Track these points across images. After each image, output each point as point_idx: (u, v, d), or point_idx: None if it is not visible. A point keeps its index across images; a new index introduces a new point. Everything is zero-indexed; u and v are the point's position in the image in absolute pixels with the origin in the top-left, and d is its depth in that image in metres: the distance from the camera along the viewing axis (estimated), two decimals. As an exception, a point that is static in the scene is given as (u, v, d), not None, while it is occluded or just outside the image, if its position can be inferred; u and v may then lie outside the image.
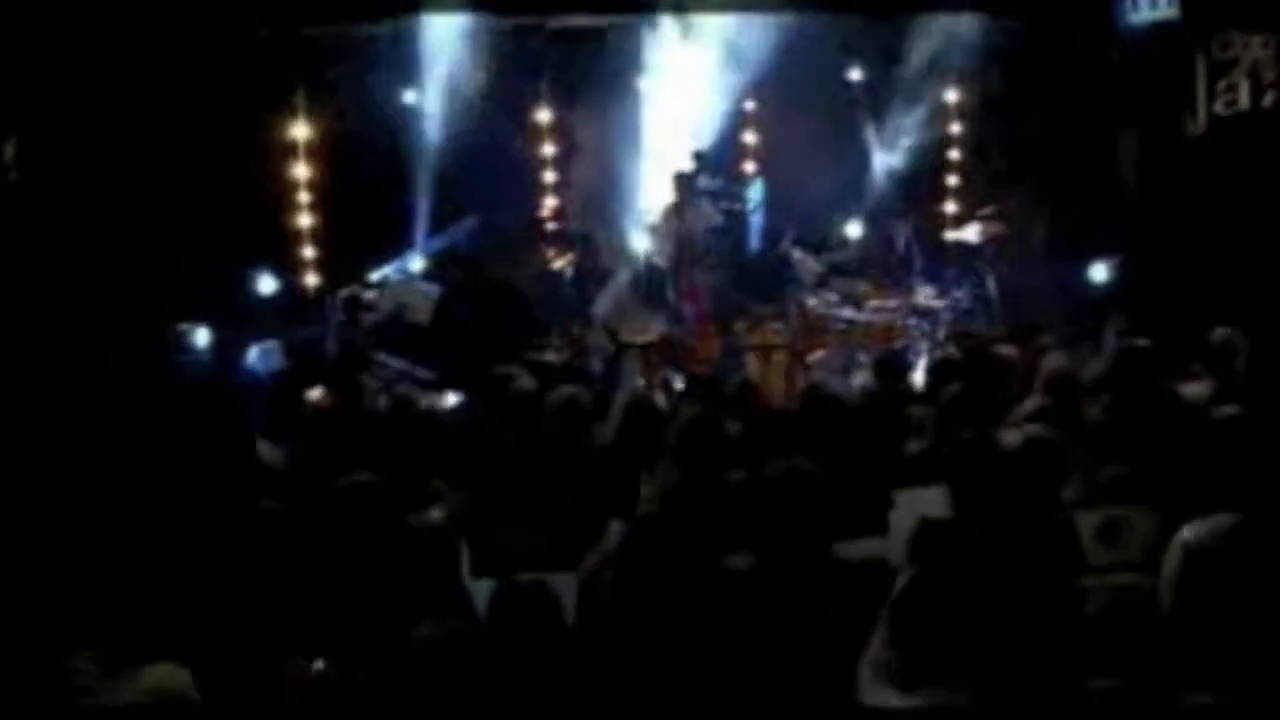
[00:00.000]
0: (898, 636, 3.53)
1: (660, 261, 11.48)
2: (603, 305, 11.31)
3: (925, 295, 11.72)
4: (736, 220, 12.67)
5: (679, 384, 10.26)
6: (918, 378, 9.55)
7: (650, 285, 11.39)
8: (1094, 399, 6.08)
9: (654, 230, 11.67)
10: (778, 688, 3.77)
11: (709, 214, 11.78)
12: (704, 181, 12.37)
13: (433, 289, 11.49)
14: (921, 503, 4.70)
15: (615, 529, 4.74)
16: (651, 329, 10.94)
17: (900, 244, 12.78)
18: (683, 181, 11.57)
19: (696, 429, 5.07)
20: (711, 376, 9.60)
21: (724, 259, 12.26)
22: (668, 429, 5.55)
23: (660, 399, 8.76)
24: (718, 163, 12.74)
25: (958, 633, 3.60)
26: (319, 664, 3.65)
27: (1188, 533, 2.66)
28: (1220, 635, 2.62)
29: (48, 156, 8.64)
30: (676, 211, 11.50)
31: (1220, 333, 6.92)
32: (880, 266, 12.49)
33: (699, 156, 11.97)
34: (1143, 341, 6.90)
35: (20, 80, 8.41)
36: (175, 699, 3.17)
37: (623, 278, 11.53)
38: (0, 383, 7.99)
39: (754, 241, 12.72)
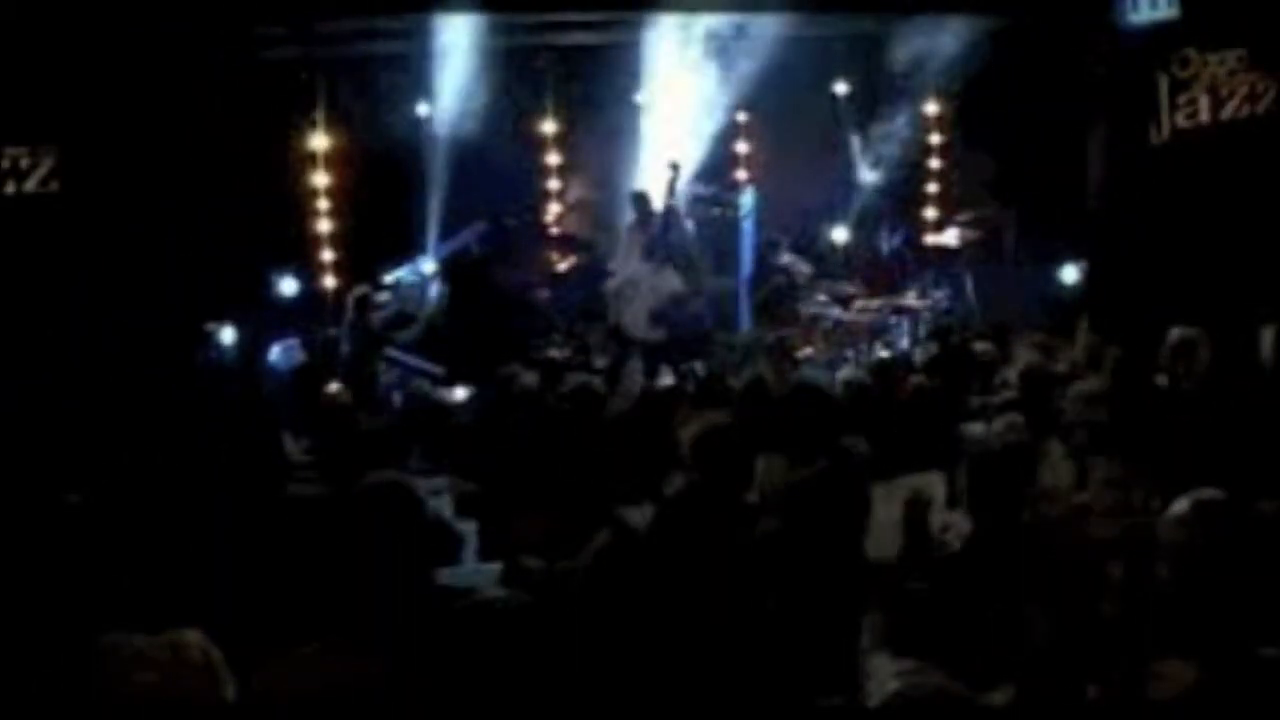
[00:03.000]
0: (890, 607, 3.56)
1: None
2: (612, 284, 11.28)
3: (907, 296, 11.77)
4: (729, 227, 12.65)
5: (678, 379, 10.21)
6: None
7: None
8: (1064, 391, 6.09)
9: (624, 247, 11.66)
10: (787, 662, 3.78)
11: (648, 248, 11.52)
12: (699, 189, 12.37)
13: (443, 289, 11.51)
14: (915, 488, 4.70)
15: (621, 516, 4.71)
16: (653, 326, 10.93)
17: (885, 248, 12.84)
18: (643, 201, 11.52)
19: (710, 441, 4.95)
20: (715, 374, 9.56)
21: (719, 264, 12.28)
22: (681, 437, 5.39)
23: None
24: (712, 171, 12.73)
25: (942, 603, 3.63)
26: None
27: (1180, 506, 2.72)
28: (1212, 595, 2.67)
29: (87, 166, 8.67)
30: (640, 226, 11.48)
31: (1176, 332, 6.92)
32: (866, 269, 12.55)
33: (674, 166, 11.83)
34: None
35: (61, 94, 8.46)
36: (200, 652, 3.16)
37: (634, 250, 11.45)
38: (43, 377, 8.01)
39: (746, 248, 12.70)
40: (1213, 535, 2.72)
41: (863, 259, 12.83)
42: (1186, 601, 2.74)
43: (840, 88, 12.68)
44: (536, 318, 11.79)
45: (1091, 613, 3.76)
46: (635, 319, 10.91)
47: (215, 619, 3.52)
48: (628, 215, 11.85)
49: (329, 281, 11.19)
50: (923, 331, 11.32)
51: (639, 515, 4.60)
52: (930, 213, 13.05)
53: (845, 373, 9.17)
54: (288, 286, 10.96)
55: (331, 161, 11.04)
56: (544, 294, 12.08)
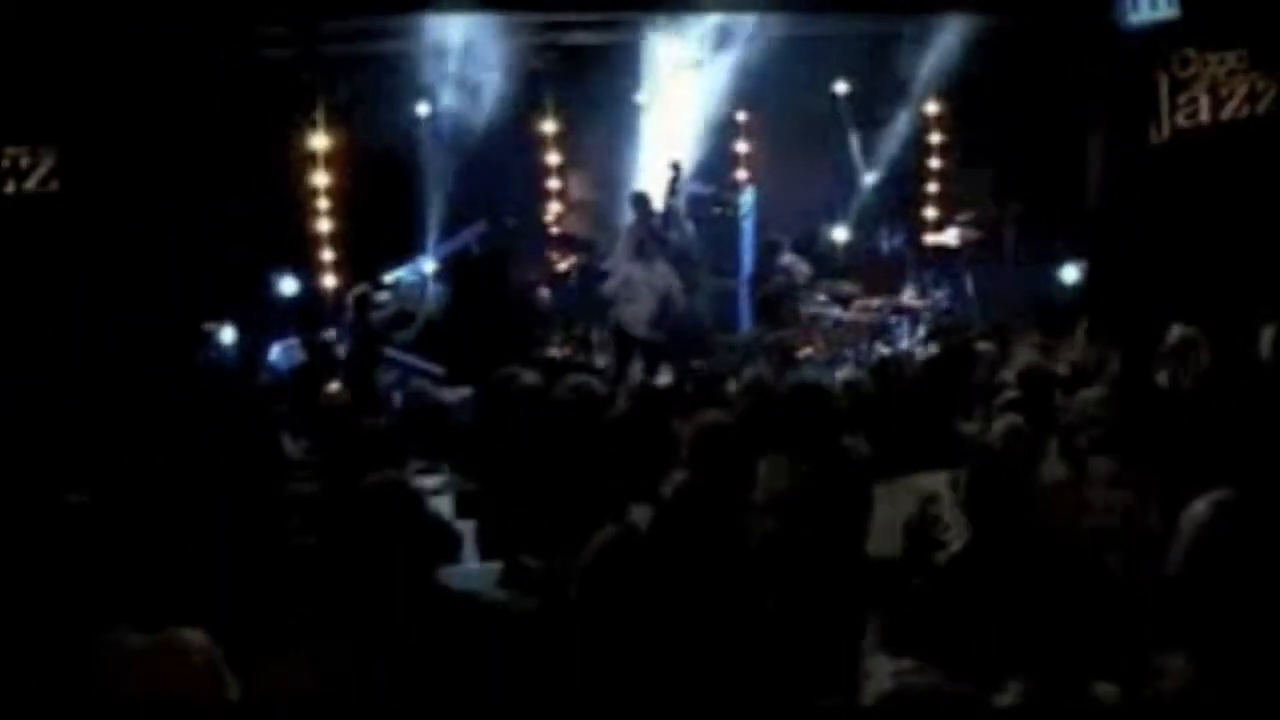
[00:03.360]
0: (890, 607, 3.57)
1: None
2: (610, 285, 11.26)
3: (907, 296, 11.78)
4: (729, 227, 12.64)
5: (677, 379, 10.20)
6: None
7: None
8: (1065, 391, 6.09)
9: (620, 246, 11.66)
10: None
11: (638, 247, 11.39)
12: (698, 189, 12.36)
13: (443, 289, 11.51)
14: (918, 489, 4.70)
15: (616, 517, 4.70)
16: (653, 327, 10.92)
17: (885, 248, 12.85)
18: (643, 201, 11.51)
19: (709, 437, 4.95)
20: (713, 373, 9.56)
21: (719, 264, 12.28)
22: (681, 433, 5.39)
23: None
24: (711, 171, 12.73)
25: (942, 603, 3.63)
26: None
27: (1197, 506, 2.74)
28: (1226, 594, 2.69)
29: (87, 166, 8.68)
30: (640, 226, 11.46)
31: (1176, 332, 6.91)
32: (866, 269, 12.55)
33: (675, 166, 11.80)
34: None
35: (61, 94, 8.47)
36: (200, 652, 3.17)
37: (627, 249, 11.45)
38: (43, 377, 8.02)
39: (746, 248, 12.70)
40: (1232, 535, 2.74)
41: (863, 259, 12.84)
42: (1198, 600, 2.75)
43: (840, 88, 12.69)
44: (536, 318, 11.79)
45: (1092, 612, 3.77)
46: (635, 319, 10.90)
47: (215, 619, 3.53)
48: (628, 215, 11.86)
49: (329, 281, 11.19)
50: (923, 331, 11.32)
51: (639, 515, 4.60)
52: (930, 213, 13.06)
53: (845, 373, 9.18)
54: (288, 286, 10.96)
55: (331, 161, 11.03)
56: (544, 294, 12.08)
